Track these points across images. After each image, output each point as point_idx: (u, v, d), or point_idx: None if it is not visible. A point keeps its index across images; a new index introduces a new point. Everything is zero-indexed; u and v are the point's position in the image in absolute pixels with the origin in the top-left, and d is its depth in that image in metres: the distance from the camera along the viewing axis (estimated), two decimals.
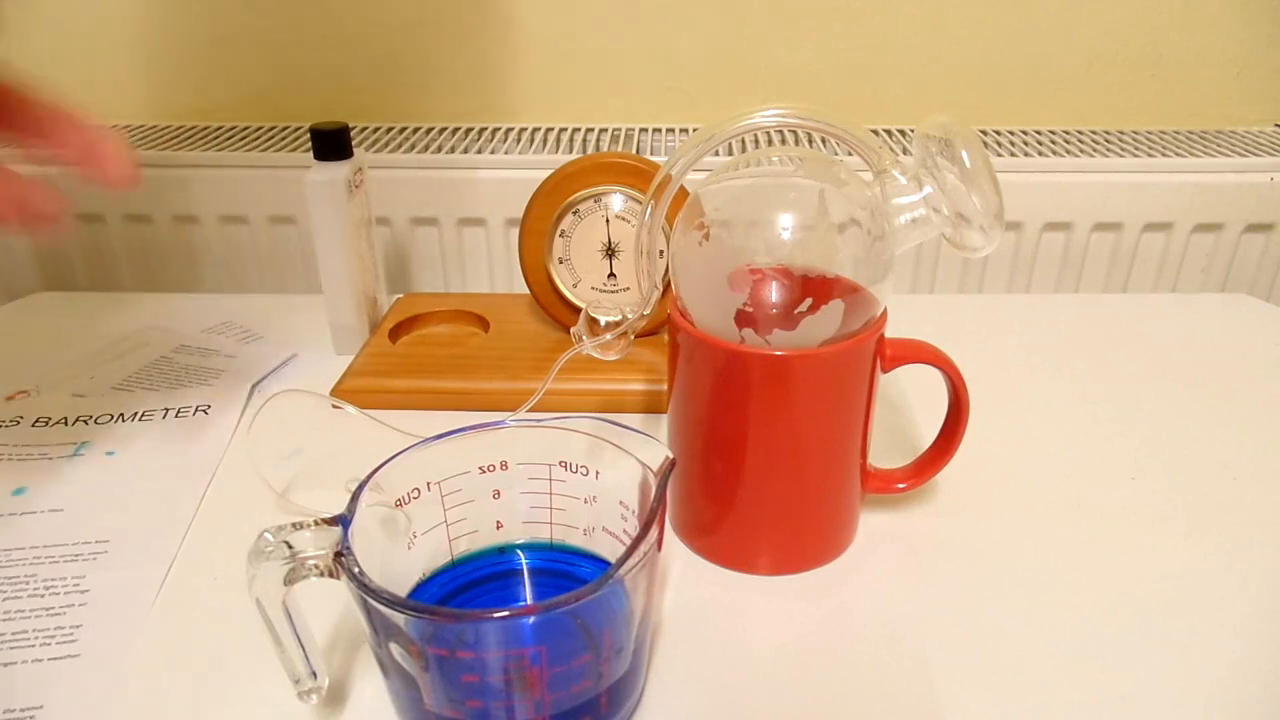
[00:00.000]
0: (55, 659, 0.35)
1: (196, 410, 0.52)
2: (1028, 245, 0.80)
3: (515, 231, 0.59)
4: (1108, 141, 0.83)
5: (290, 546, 0.28)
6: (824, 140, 0.78)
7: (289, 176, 0.78)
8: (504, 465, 0.35)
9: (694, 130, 0.84)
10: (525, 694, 0.29)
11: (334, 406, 0.50)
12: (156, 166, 0.78)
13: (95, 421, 0.51)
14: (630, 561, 0.28)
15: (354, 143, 0.56)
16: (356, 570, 0.28)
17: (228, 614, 0.37)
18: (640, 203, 0.53)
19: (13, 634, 0.36)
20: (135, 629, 0.37)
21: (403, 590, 0.33)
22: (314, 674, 0.31)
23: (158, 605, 0.38)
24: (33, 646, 0.36)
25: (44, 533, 0.42)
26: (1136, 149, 0.80)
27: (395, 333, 0.58)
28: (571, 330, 0.44)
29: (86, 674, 0.34)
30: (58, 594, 0.38)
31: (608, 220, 0.54)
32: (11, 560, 0.40)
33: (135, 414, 0.52)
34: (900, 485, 0.42)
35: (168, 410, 0.52)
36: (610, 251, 0.55)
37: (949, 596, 0.39)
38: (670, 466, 0.31)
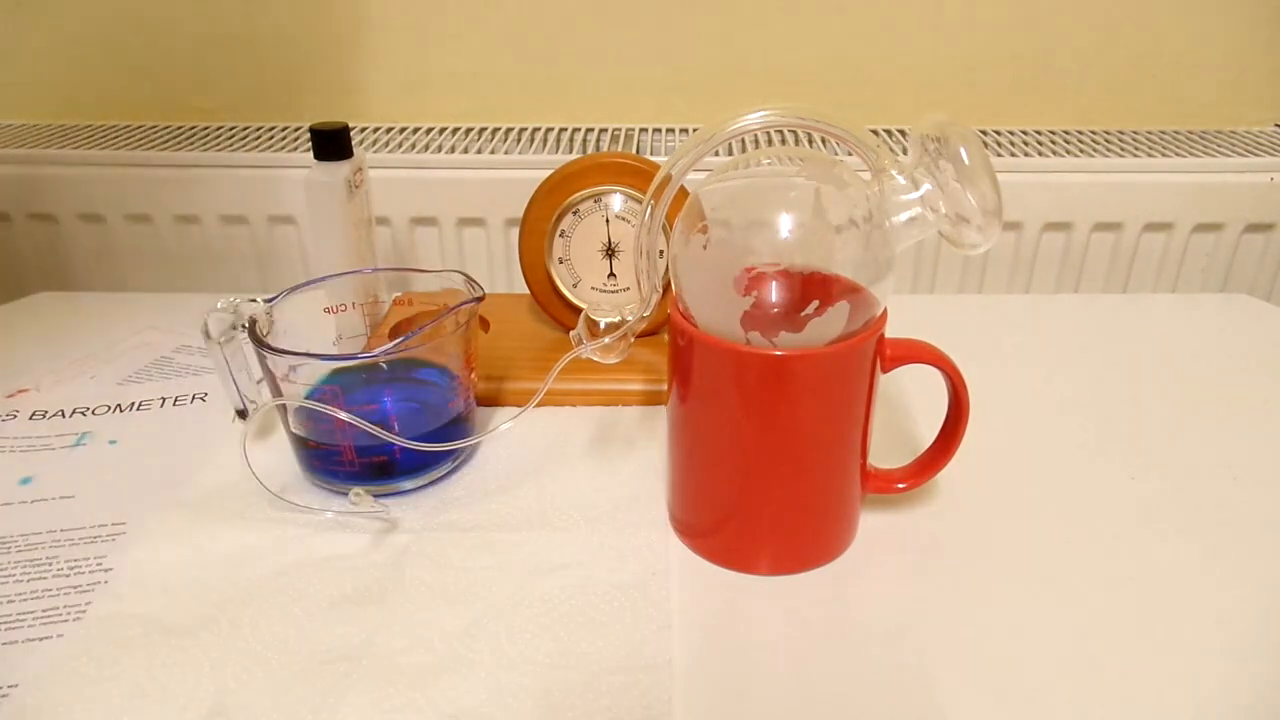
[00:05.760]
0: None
1: (194, 398, 0.53)
2: (1028, 245, 0.80)
3: (515, 231, 0.59)
4: (1108, 141, 0.83)
5: (237, 310, 0.44)
6: (824, 140, 0.78)
7: (289, 176, 0.78)
8: None
9: (694, 130, 0.84)
10: None
11: None
12: (158, 166, 0.78)
13: (94, 413, 0.51)
14: None
15: (354, 143, 0.56)
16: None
17: (232, 607, 0.37)
18: (640, 203, 0.53)
19: (43, 610, 0.37)
20: (152, 607, 0.37)
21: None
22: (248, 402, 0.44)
23: (170, 586, 0.38)
24: (65, 622, 0.37)
25: (58, 518, 0.43)
26: (1136, 149, 0.80)
27: (395, 333, 0.58)
28: (571, 333, 0.44)
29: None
30: (82, 573, 0.39)
31: (608, 220, 0.54)
32: (30, 544, 0.41)
33: (133, 404, 0.52)
34: (900, 485, 0.42)
35: (165, 399, 0.53)
36: (610, 251, 0.55)
37: (949, 596, 0.39)
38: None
